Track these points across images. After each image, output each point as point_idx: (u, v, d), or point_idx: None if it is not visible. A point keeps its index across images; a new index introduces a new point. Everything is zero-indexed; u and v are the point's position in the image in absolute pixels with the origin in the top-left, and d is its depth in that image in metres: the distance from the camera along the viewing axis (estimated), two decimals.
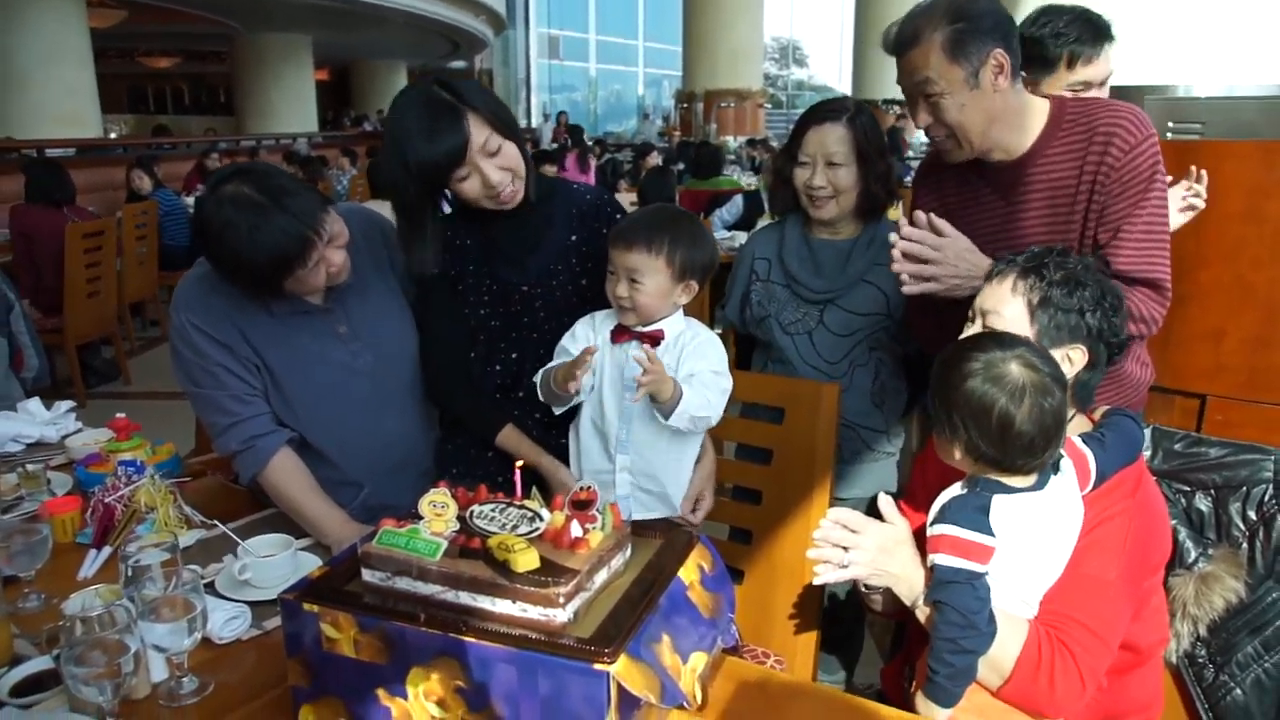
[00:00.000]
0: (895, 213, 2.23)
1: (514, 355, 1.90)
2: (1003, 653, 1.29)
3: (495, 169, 1.74)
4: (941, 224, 1.69)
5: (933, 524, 1.33)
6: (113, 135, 13.70)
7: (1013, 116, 1.75)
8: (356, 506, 1.87)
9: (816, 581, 1.40)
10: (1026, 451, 1.27)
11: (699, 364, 1.73)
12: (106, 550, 1.72)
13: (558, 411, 1.83)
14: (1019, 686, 1.29)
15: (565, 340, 1.82)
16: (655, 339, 1.74)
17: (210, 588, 1.58)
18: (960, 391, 1.29)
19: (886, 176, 2.17)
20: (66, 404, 2.43)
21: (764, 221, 3.29)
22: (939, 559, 1.30)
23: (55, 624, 1.39)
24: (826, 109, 2.16)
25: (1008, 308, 1.44)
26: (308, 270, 1.71)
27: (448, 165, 1.70)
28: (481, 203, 1.78)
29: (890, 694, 1.64)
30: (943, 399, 1.31)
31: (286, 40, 15.81)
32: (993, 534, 1.29)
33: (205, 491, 2.05)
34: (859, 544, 1.38)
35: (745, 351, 2.46)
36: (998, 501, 1.30)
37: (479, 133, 1.70)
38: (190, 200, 7.72)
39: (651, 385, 1.62)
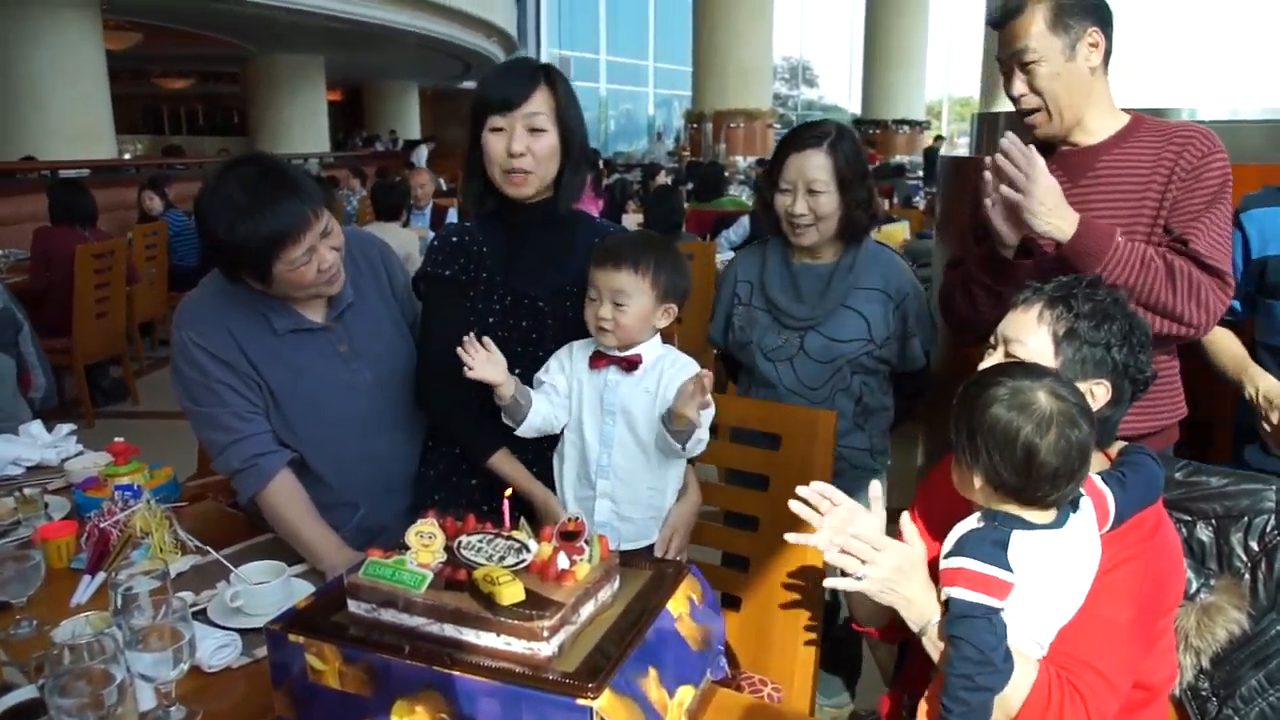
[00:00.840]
0: (879, 235, 2.24)
1: (517, 372, 1.87)
2: (1012, 691, 1.26)
3: (523, 139, 1.76)
4: (1036, 156, 1.76)
5: (948, 556, 1.31)
6: (127, 156, 13.83)
7: (1099, 101, 1.88)
8: (352, 528, 1.87)
9: (826, 583, 1.42)
10: (1049, 483, 1.25)
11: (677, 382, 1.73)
12: (100, 576, 1.71)
13: (519, 431, 1.79)
14: None
15: (540, 373, 1.81)
16: (633, 363, 1.74)
17: (202, 614, 1.57)
18: (985, 418, 1.26)
19: (868, 201, 2.17)
20: (67, 426, 2.43)
21: None
22: (956, 593, 1.27)
23: (43, 651, 1.39)
24: (807, 135, 2.15)
25: (1032, 337, 1.43)
26: (300, 253, 1.70)
27: (493, 105, 1.76)
28: (495, 172, 1.80)
29: None
30: (966, 425, 1.29)
31: (299, 61, 15.97)
32: (1011, 570, 1.26)
33: (202, 516, 2.05)
34: (877, 560, 1.37)
35: (731, 371, 2.47)
36: (1016, 538, 1.28)
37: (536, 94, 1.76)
38: None
39: (695, 411, 1.62)
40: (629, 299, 1.70)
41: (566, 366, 1.80)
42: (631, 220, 7.44)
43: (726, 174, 8.63)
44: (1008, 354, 1.45)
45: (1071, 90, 1.85)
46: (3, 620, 1.57)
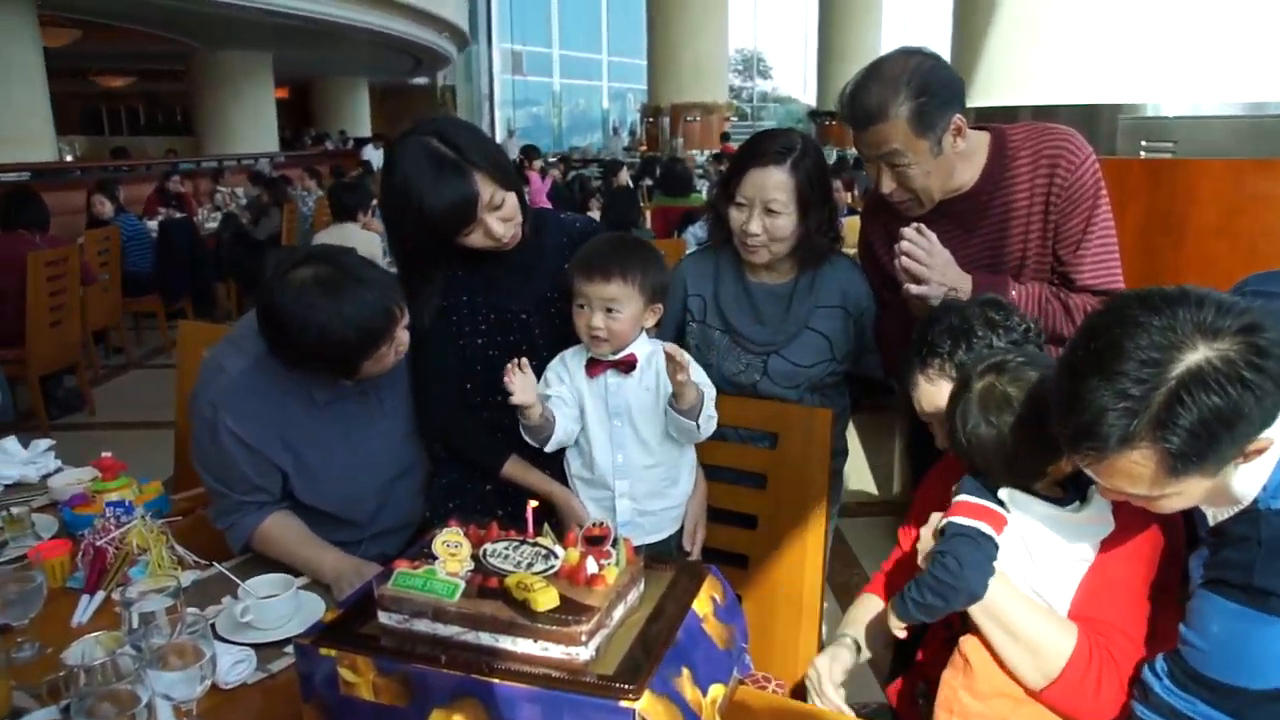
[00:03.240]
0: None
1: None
2: (1054, 653, 1.31)
3: (499, 222, 1.77)
4: (930, 234, 1.79)
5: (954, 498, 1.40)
6: (67, 158, 13.51)
7: (963, 161, 1.86)
8: (358, 555, 1.88)
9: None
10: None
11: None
12: (100, 595, 1.70)
13: (546, 449, 1.83)
14: (1064, 690, 1.31)
15: (540, 387, 1.83)
16: (630, 364, 1.79)
17: (211, 631, 1.57)
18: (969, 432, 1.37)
19: (830, 222, 2.06)
20: (45, 442, 2.40)
21: None
22: (952, 519, 1.36)
23: (55, 674, 1.38)
24: (770, 147, 1.98)
25: (940, 396, 1.49)
26: (388, 347, 1.71)
27: (456, 226, 1.73)
28: (480, 247, 1.80)
29: (903, 713, 1.66)
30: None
31: (246, 58, 15.69)
32: (1006, 509, 1.36)
33: (196, 530, 2.02)
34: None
35: None
36: (1009, 493, 1.37)
37: (485, 190, 1.73)
38: (153, 224, 7.65)
39: (685, 380, 1.67)
40: (621, 305, 1.74)
41: (565, 377, 1.83)
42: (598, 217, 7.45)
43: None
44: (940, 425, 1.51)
45: (944, 178, 1.84)
46: (4, 643, 1.55)
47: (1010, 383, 1.35)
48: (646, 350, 1.82)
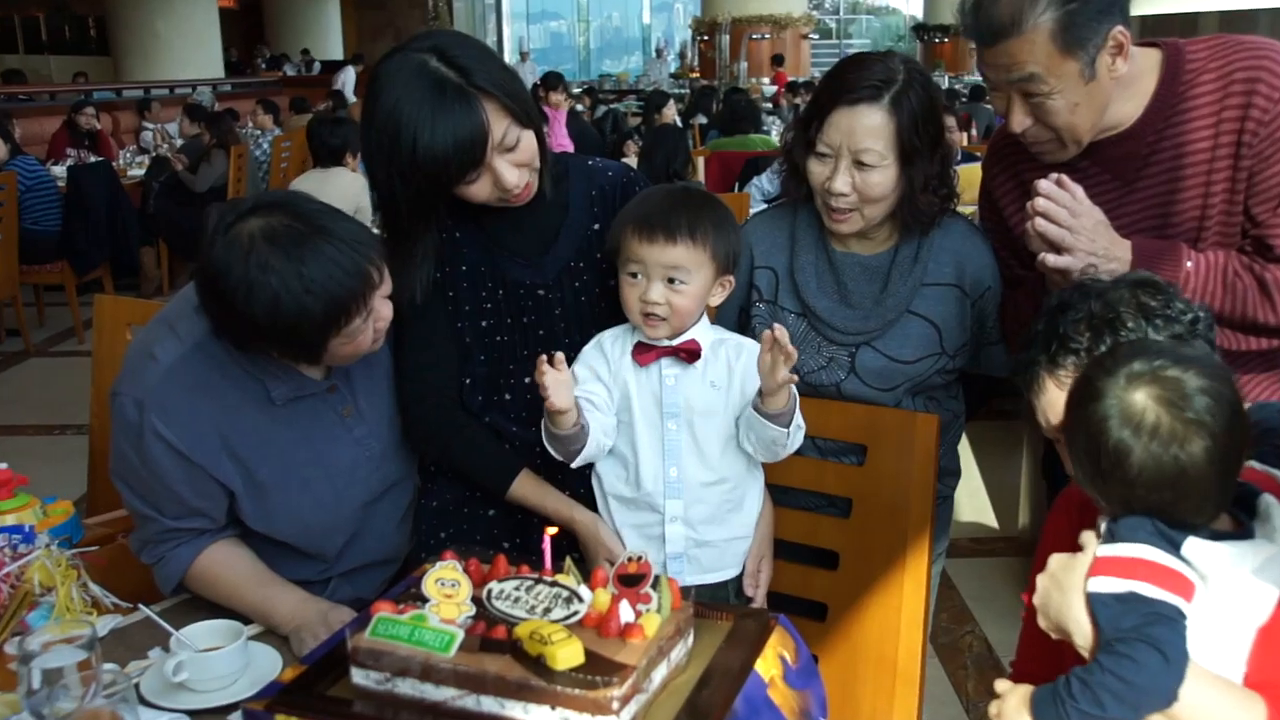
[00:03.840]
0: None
1: (528, 380, 1.91)
2: None
3: (511, 168, 1.77)
4: (1074, 186, 1.75)
5: (1103, 546, 1.34)
6: None
7: (1123, 89, 1.83)
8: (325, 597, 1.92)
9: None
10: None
11: (735, 395, 1.81)
12: None
13: (574, 464, 1.84)
14: None
15: (590, 349, 1.87)
16: (694, 352, 1.80)
17: (135, 693, 1.60)
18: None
19: (942, 176, 2.03)
20: None
21: None
22: (1138, 589, 1.28)
23: None
24: (860, 79, 1.95)
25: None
26: (362, 320, 1.72)
27: (459, 171, 1.73)
28: (487, 202, 1.81)
29: None
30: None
31: None
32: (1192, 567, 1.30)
33: (116, 563, 2.05)
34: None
35: None
36: (1193, 545, 1.32)
37: (496, 126, 1.73)
38: (60, 171, 7.78)
39: (787, 379, 1.67)
40: (688, 275, 1.75)
41: (604, 369, 1.84)
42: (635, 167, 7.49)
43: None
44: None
45: (1096, 111, 1.82)
46: None
47: (1170, 390, 1.34)
48: (711, 337, 1.84)
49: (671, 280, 1.75)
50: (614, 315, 1.90)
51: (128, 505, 1.90)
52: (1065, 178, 1.76)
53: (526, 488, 1.90)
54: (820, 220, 2.09)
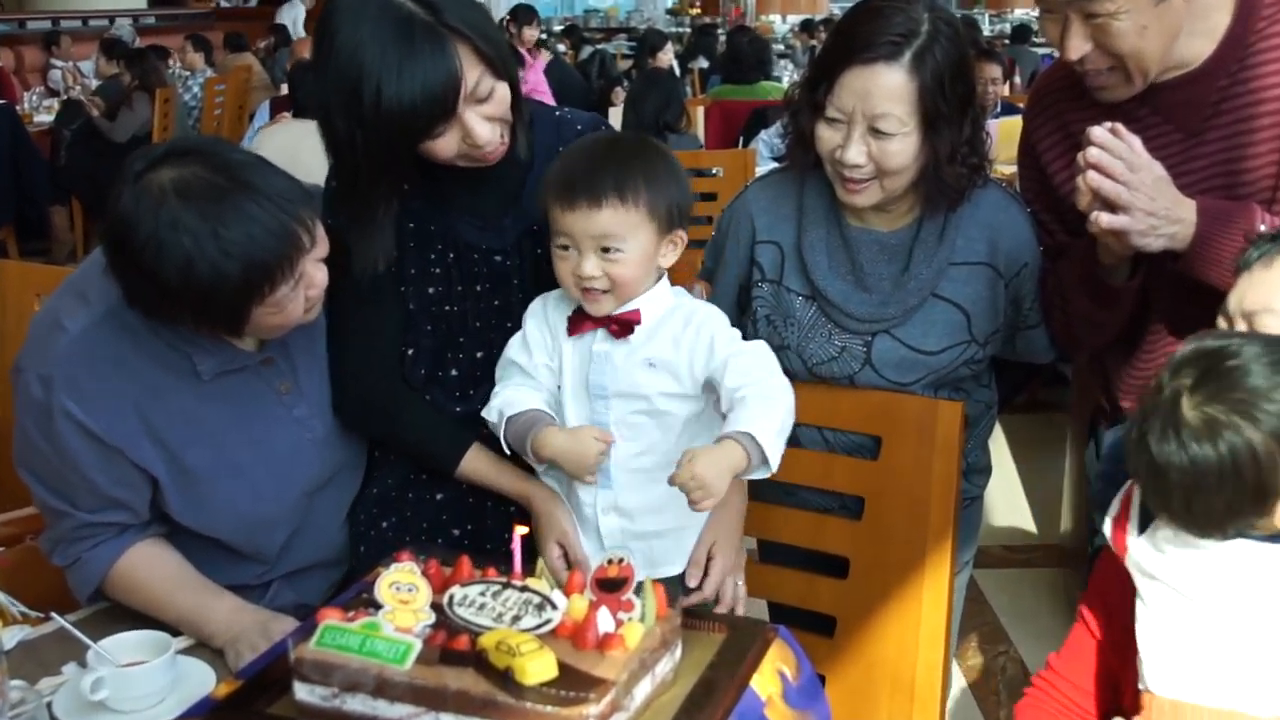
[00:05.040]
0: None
1: (479, 355, 1.97)
2: None
3: (483, 122, 1.77)
4: (1130, 137, 1.74)
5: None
6: None
7: (1195, 20, 1.82)
8: (264, 604, 1.95)
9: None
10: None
11: (723, 351, 1.76)
12: None
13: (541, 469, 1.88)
14: None
15: (514, 351, 1.85)
16: (626, 325, 1.77)
17: (47, 713, 1.61)
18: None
19: (971, 145, 2.00)
20: None
21: None
22: None
23: None
24: (879, 34, 1.91)
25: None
26: (290, 288, 1.72)
27: (428, 123, 1.73)
28: (453, 161, 1.82)
29: None
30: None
31: None
32: None
33: (23, 566, 2.06)
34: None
35: None
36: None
37: (470, 72, 1.73)
38: None
39: (705, 497, 1.60)
40: (623, 241, 1.73)
41: (546, 335, 1.84)
42: (618, 117, 7.46)
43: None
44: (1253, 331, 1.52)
45: (1165, 36, 1.81)
46: None
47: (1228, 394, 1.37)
48: (663, 306, 1.81)
49: (606, 250, 1.73)
50: None
51: (36, 499, 1.90)
52: (1120, 126, 1.75)
53: (480, 462, 1.92)
54: (832, 189, 2.07)
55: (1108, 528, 1.56)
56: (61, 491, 1.84)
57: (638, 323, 1.77)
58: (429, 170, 1.88)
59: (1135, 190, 1.73)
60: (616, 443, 1.79)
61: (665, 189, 1.75)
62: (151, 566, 1.87)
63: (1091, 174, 1.73)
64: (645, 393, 1.78)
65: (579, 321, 1.79)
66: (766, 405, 1.68)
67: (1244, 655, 1.42)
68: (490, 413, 1.82)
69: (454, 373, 1.97)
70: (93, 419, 1.77)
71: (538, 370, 1.84)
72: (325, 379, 1.97)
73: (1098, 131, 1.73)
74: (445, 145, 1.77)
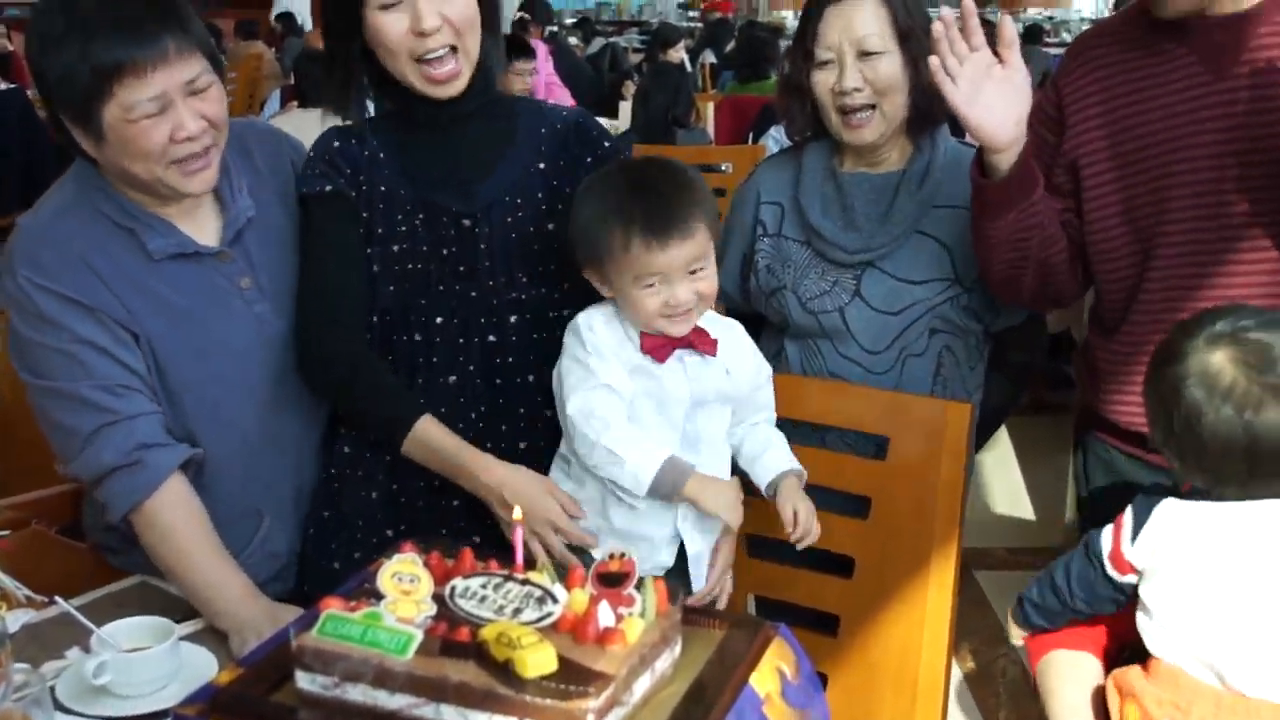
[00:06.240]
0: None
1: (439, 320, 1.98)
2: None
3: (434, 12, 1.82)
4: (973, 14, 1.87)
5: None
6: None
7: None
8: (255, 552, 1.99)
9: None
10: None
11: (763, 400, 1.98)
12: None
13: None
14: None
15: (605, 373, 1.81)
16: (714, 342, 1.86)
17: (50, 696, 1.62)
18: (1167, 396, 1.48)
19: None
20: None
21: None
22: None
23: None
24: None
25: None
26: (145, 97, 1.74)
27: None
28: (403, 67, 1.87)
29: None
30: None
31: None
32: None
33: (28, 551, 2.08)
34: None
35: None
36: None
37: None
38: None
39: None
40: (707, 260, 1.81)
41: (611, 361, 1.83)
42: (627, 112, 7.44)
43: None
44: None
45: None
46: None
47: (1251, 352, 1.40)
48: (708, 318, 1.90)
49: (694, 272, 1.79)
50: (544, 259, 1.96)
51: (42, 415, 1.91)
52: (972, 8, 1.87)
53: (429, 435, 1.88)
54: (829, 149, 2.29)
55: (1107, 563, 1.69)
56: (65, 373, 1.85)
57: (716, 343, 1.86)
58: (411, 133, 1.98)
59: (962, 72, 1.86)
60: (705, 452, 1.89)
61: (709, 200, 1.85)
62: (189, 517, 1.87)
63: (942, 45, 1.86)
64: (721, 396, 1.90)
65: (660, 345, 1.82)
66: (784, 442, 1.99)
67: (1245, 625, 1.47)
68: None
69: (418, 337, 1.97)
70: (59, 284, 1.83)
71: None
72: (291, 285, 1.99)
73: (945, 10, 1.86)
74: (393, 23, 1.84)
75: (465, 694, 1.18)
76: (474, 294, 1.96)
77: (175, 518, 1.86)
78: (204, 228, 1.94)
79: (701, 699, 1.28)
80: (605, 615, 1.24)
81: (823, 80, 2.16)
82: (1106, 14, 12.48)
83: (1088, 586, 1.72)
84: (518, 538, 1.37)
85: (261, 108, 7.98)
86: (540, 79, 7.56)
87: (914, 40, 2.12)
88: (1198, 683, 1.57)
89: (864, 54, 2.12)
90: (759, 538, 2.05)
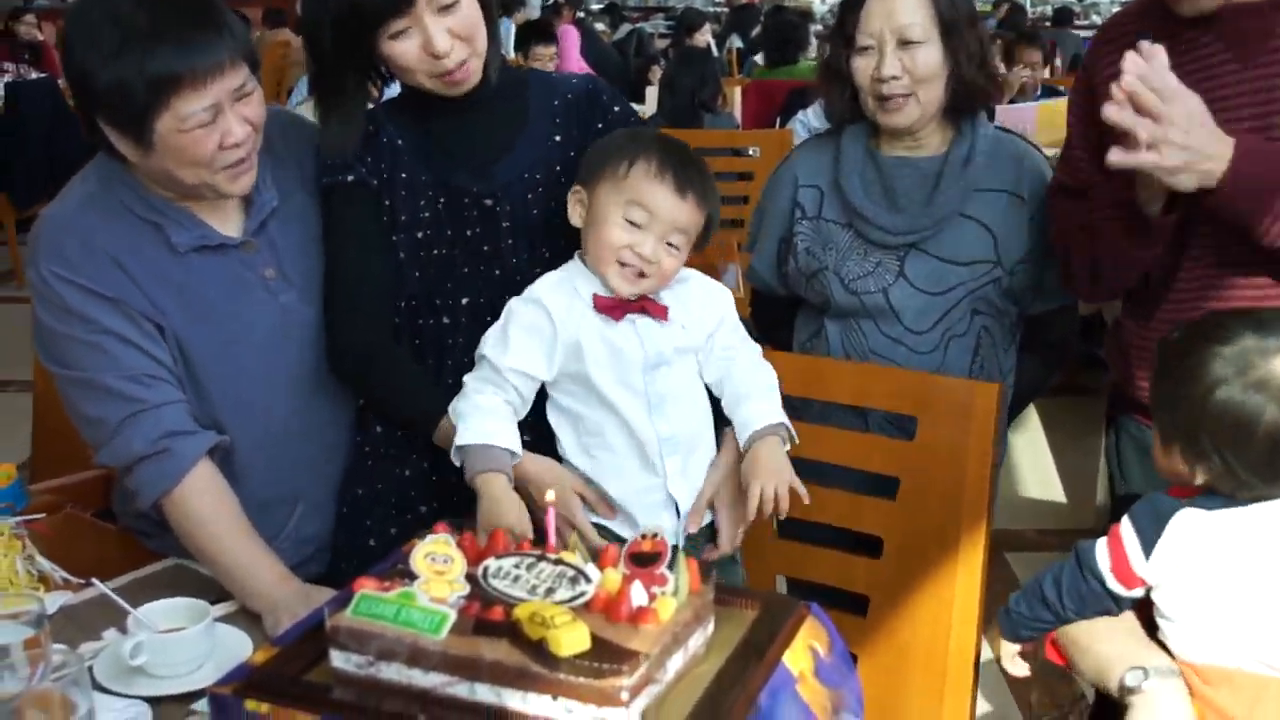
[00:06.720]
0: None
1: (465, 301, 1.99)
2: None
3: (444, 32, 1.82)
4: (1160, 58, 1.71)
5: None
6: None
7: None
8: (289, 538, 2.00)
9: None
10: None
11: (727, 340, 1.90)
12: None
13: None
14: None
15: (494, 351, 1.82)
16: (661, 314, 1.83)
17: (88, 676, 1.63)
18: (1207, 404, 1.38)
19: (982, 55, 2.23)
20: None
21: None
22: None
23: None
24: None
25: None
26: (200, 108, 1.74)
27: (379, 12, 1.80)
28: (419, 79, 1.88)
29: None
30: (1177, 413, 1.41)
31: None
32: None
33: (63, 534, 2.09)
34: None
35: (772, 320, 2.52)
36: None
37: None
38: None
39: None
40: (684, 241, 1.81)
41: (550, 327, 1.80)
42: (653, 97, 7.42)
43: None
44: None
45: None
46: None
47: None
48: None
49: (671, 243, 1.79)
50: (566, 233, 1.91)
51: (71, 407, 1.93)
52: (1155, 47, 1.72)
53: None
54: (867, 132, 2.33)
55: (1109, 578, 1.68)
56: (91, 364, 1.86)
57: (666, 316, 1.83)
58: (426, 121, 1.97)
59: (1169, 124, 1.70)
60: (672, 413, 1.84)
61: (717, 210, 1.87)
62: (218, 501, 1.88)
63: (1111, 109, 1.72)
64: (682, 354, 1.86)
65: (615, 305, 1.81)
66: (768, 388, 1.88)
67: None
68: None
69: (446, 320, 1.99)
70: (82, 277, 1.84)
71: (522, 383, 1.82)
72: (316, 272, 1.99)
73: (1131, 60, 1.71)
74: (406, 49, 1.84)
75: (499, 672, 1.19)
76: (498, 273, 1.98)
77: (204, 503, 1.87)
78: (227, 219, 1.95)
79: (735, 677, 1.28)
80: (638, 594, 1.25)
81: (862, 66, 2.20)
82: None
83: (1080, 600, 1.72)
84: (550, 519, 1.38)
85: (289, 95, 8.00)
86: (570, 64, 7.57)
87: (955, 27, 2.16)
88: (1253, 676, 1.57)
89: (904, 42, 2.15)
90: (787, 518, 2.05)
